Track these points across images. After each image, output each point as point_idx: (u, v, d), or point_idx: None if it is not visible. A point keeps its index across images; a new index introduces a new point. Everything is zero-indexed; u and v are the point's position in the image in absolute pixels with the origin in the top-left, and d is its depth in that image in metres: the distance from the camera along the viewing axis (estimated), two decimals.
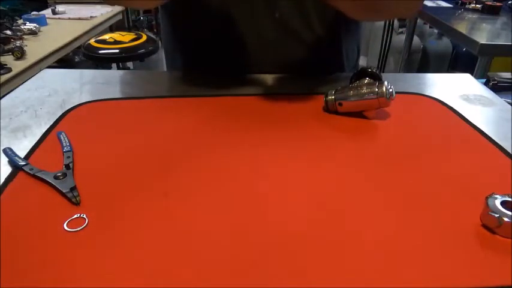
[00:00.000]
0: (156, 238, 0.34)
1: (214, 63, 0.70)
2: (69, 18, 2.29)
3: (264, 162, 0.45)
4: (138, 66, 2.72)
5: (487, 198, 0.36)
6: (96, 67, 2.39)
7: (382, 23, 2.65)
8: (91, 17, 2.31)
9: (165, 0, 0.67)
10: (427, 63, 2.91)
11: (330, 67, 0.73)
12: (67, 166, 0.42)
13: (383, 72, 1.91)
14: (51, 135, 0.49)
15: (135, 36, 2.25)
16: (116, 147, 0.47)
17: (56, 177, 0.40)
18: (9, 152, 0.44)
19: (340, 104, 0.54)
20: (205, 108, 0.57)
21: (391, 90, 0.52)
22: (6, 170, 0.42)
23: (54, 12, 2.32)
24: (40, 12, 2.25)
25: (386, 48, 2.73)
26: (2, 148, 0.45)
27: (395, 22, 2.83)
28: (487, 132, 0.52)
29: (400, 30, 2.88)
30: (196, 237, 0.34)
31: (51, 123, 0.52)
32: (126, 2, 0.72)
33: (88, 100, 0.59)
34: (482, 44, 1.50)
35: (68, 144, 0.46)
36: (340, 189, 0.41)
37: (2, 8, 2.20)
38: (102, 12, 2.42)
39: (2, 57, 1.59)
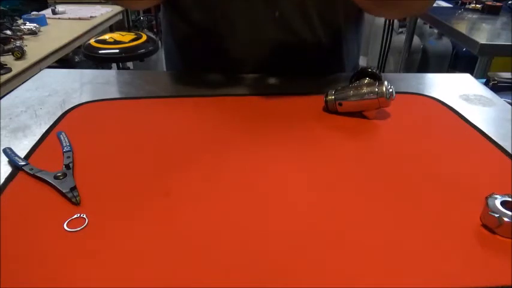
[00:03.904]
0: (156, 238, 0.34)
1: (214, 63, 0.70)
2: (69, 18, 2.29)
3: (264, 162, 0.45)
4: (138, 66, 2.72)
5: (487, 198, 0.36)
6: (96, 67, 2.39)
7: (382, 23, 2.65)
8: (91, 17, 2.31)
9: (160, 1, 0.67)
10: (427, 63, 2.91)
11: (330, 67, 0.73)
12: (67, 166, 0.42)
13: (383, 72, 1.91)
14: (51, 135, 0.49)
15: (135, 36, 2.25)
16: (116, 147, 0.47)
17: (56, 177, 0.40)
18: (9, 152, 0.44)
19: (340, 104, 0.54)
20: (205, 108, 0.57)
21: (391, 90, 0.52)
22: (6, 170, 0.42)
23: (54, 12, 2.32)
24: (40, 12, 2.25)
25: (386, 48, 2.72)
26: (2, 148, 0.45)
27: (395, 22, 2.83)
28: (487, 132, 0.52)
29: (400, 30, 2.88)
30: (196, 236, 0.34)
31: (51, 123, 0.52)
32: (124, 2, 0.72)
33: (88, 100, 0.59)
34: (482, 44, 1.50)
35: (68, 144, 0.46)
36: (340, 189, 0.41)
37: (2, 8, 2.20)
38: (102, 12, 2.42)
39: (2, 57, 1.59)
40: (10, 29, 1.84)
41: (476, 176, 0.44)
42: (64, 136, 0.48)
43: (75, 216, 0.36)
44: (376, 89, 0.52)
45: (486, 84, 1.62)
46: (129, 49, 2.15)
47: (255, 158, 0.45)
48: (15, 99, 0.59)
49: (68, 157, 0.44)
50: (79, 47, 2.10)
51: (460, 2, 2.19)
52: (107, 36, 2.21)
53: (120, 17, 2.68)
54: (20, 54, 1.62)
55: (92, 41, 2.15)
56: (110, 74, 0.71)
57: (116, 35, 2.24)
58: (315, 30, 0.67)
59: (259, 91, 0.63)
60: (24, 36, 1.86)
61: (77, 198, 0.37)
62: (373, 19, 2.89)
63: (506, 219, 0.34)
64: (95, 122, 0.53)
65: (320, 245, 0.33)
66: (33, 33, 1.94)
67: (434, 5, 2.30)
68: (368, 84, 0.53)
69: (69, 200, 0.37)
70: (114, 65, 2.46)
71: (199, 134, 0.50)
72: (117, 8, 2.56)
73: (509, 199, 0.36)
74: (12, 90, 0.63)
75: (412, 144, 0.49)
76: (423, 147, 0.49)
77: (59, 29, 2.12)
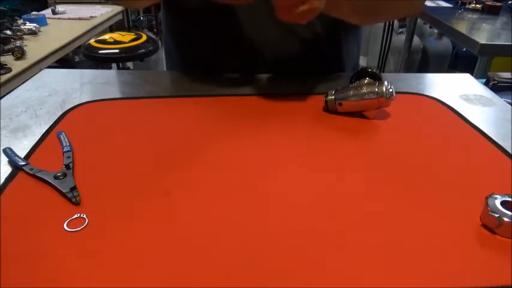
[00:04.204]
0: (156, 238, 0.34)
1: (214, 63, 0.70)
2: (69, 18, 2.30)
3: (264, 162, 0.45)
4: (138, 66, 2.73)
5: (487, 198, 0.36)
6: (96, 67, 2.39)
7: (382, 23, 2.65)
8: (91, 17, 2.31)
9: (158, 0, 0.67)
10: (427, 63, 2.91)
11: (331, 67, 0.73)
12: (67, 166, 0.42)
13: (383, 72, 1.92)
14: (51, 135, 0.49)
15: (135, 36, 2.25)
16: (116, 147, 0.47)
17: (56, 177, 0.40)
18: (9, 152, 0.44)
19: (340, 104, 0.54)
20: (205, 108, 0.57)
21: (391, 90, 0.52)
22: (6, 170, 0.42)
23: (54, 12, 2.32)
24: (40, 12, 2.25)
25: (386, 48, 2.72)
26: (2, 148, 0.45)
27: (395, 22, 2.83)
28: (487, 132, 0.52)
29: (400, 30, 2.89)
30: (196, 236, 0.34)
31: (51, 123, 0.52)
32: (124, 2, 0.72)
33: (88, 100, 0.59)
34: (482, 44, 1.50)
35: (68, 144, 0.46)
36: (340, 189, 0.41)
37: (2, 8, 2.20)
38: (102, 12, 2.42)
39: (2, 57, 1.59)
40: (10, 29, 1.84)
41: (476, 176, 0.44)
42: (64, 136, 0.48)
43: (75, 216, 0.36)
44: (376, 89, 0.52)
45: (486, 84, 1.62)
46: (129, 49, 2.15)
47: (255, 158, 0.45)
48: (15, 99, 0.59)
49: (68, 157, 0.44)
50: (79, 47, 2.10)
51: (460, 2, 2.19)
52: (107, 36, 2.21)
53: (120, 17, 2.68)
54: (20, 54, 1.62)
55: (92, 41, 2.15)
56: (110, 74, 0.71)
57: (116, 35, 2.24)
58: (315, 30, 0.67)
59: (259, 91, 0.63)
60: (24, 36, 1.86)
61: (77, 198, 0.37)
62: None
63: (506, 219, 0.34)
64: (95, 122, 0.53)
65: (320, 245, 0.33)
66: (33, 33, 1.94)
67: (434, 5, 2.31)
68: (368, 84, 0.53)
69: (69, 200, 0.37)
70: (114, 65, 2.46)
71: (199, 133, 0.50)
72: (117, 8, 2.56)
73: (509, 199, 0.36)
74: (12, 90, 0.63)
75: (412, 144, 0.49)
76: (423, 147, 0.49)
77: (59, 29, 2.12)
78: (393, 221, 0.36)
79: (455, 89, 0.67)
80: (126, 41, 2.19)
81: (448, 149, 0.49)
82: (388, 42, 2.70)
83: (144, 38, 2.25)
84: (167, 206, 0.38)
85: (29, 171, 0.41)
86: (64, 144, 0.46)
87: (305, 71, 0.69)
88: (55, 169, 0.41)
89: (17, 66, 1.55)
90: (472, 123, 0.54)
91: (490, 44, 1.54)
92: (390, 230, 0.35)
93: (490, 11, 1.98)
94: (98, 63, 2.41)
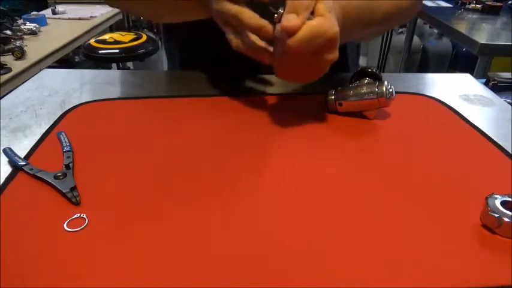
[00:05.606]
0: (156, 238, 0.34)
1: (214, 63, 0.70)
2: (69, 18, 2.30)
3: (264, 162, 0.45)
4: (138, 66, 2.72)
5: (487, 198, 0.36)
6: (96, 67, 2.39)
7: None
8: (91, 17, 2.31)
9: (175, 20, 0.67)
10: (427, 63, 2.91)
11: (331, 67, 0.73)
12: (67, 166, 0.42)
13: (383, 72, 1.91)
14: (51, 135, 0.49)
15: (135, 36, 2.25)
16: (116, 147, 0.47)
17: (56, 177, 0.40)
18: (9, 152, 0.44)
19: (340, 104, 0.54)
20: (205, 108, 0.57)
21: (391, 90, 0.52)
22: (6, 170, 0.42)
23: (54, 12, 2.32)
24: (40, 12, 2.25)
25: (386, 48, 2.73)
26: (2, 148, 0.45)
27: None
28: (487, 132, 0.52)
29: (400, 30, 2.89)
30: (197, 236, 0.34)
31: (51, 123, 0.52)
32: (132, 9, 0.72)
33: (88, 100, 0.59)
34: (482, 44, 1.50)
35: (68, 144, 0.46)
36: (340, 189, 0.41)
37: (2, 8, 2.19)
38: (102, 12, 2.42)
39: (2, 57, 1.59)
40: (10, 29, 1.84)
41: (476, 176, 0.44)
42: (64, 136, 0.48)
43: (75, 216, 0.36)
44: (376, 89, 0.52)
45: (486, 84, 1.62)
46: (129, 49, 2.15)
47: (255, 158, 0.45)
48: (15, 99, 0.59)
49: (68, 157, 0.44)
50: (79, 47, 2.10)
51: (460, 2, 2.20)
52: (107, 36, 2.21)
53: (120, 17, 2.68)
54: (20, 54, 1.62)
55: (92, 41, 2.15)
56: (110, 74, 0.71)
57: (116, 35, 2.24)
58: None
59: (260, 91, 0.63)
60: (24, 36, 1.86)
61: (77, 198, 0.37)
62: None
63: (506, 219, 0.34)
64: (95, 122, 0.53)
65: (320, 245, 0.33)
66: (33, 33, 1.94)
67: (434, 5, 2.31)
68: (368, 84, 0.53)
69: (69, 200, 0.37)
70: (114, 65, 2.46)
71: (199, 133, 0.50)
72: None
73: (509, 199, 0.36)
74: (12, 90, 0.63)
75: (412, 144, 0.49)
76: (423, 147, 0.49)
77: (59, 29, 2.12)
78: (393, 220, 0.36)
79: (455, 89, 0.67)
80: (126, 41, 2.19)
81: (448, 149, 0.49)
82: (388, 42, 2.71)
83: (144, 38, 2.25)
84: (167, 206, 0.37)
85: (29, 171, 0.41)
86: (64, 144, 0.46)
87: None
88: (55, 169, 0.41)
89: (17, 66, 1.55)
90: (472, 123, 0.54)
91: (490, 44, 1.54)
92: (390, 229, 0.35)
93: (490, 11, 1.99)
94: (98, 63, 2.41)
